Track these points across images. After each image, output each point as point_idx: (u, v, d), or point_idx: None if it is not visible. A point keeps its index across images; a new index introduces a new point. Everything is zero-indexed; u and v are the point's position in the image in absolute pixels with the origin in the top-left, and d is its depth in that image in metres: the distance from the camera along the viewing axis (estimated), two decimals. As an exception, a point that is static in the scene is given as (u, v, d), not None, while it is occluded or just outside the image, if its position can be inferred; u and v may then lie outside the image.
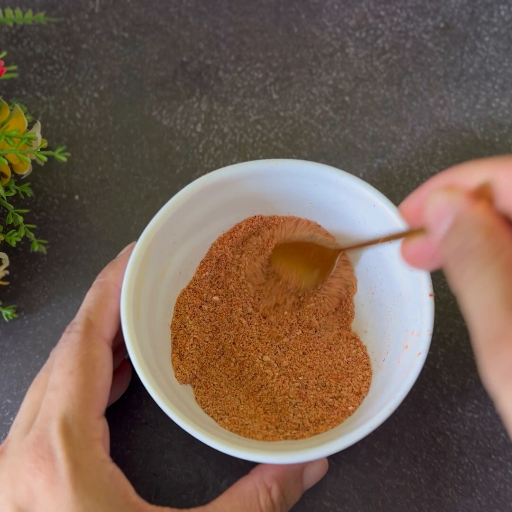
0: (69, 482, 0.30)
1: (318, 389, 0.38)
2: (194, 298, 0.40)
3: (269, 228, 0.40)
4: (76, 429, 0.32)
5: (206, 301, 0.40)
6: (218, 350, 0.39)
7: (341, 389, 0.37)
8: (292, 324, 0.40)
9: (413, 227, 0.29)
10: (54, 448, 0.31)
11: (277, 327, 0.40)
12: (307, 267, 0.39)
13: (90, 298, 0.35)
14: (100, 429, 0.33)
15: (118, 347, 0.37)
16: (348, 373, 0.38)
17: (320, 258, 0.39)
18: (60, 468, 0.31)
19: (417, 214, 0.28)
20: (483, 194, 0.25)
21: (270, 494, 0.34)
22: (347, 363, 0.39)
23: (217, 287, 0.41)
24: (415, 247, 0.28)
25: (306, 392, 0.38)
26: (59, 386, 0.32)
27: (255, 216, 0.40)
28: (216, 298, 0.41)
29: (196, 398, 0.38)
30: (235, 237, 0.41)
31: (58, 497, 0.30)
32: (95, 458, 0.32)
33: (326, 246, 0.39)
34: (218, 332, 0.40)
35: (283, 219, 0.41)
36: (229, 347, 0.40)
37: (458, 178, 0.26)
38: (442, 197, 0.25)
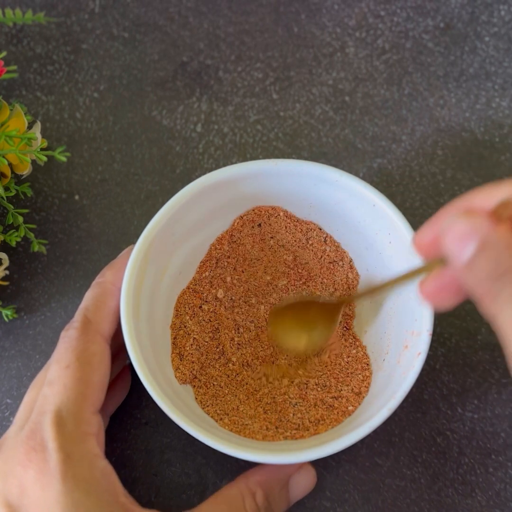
0: (59, 473, 0.30)
1: (318, 389, 0.38)
2: (194, 298, 0.40)
3: (268, 219, 0.40)
4: (70, 421, 0.31)
5: (206, 301, 0.40)
6: (218, 350, 0.39)
7: (341, 389, 0.37)
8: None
9: (428, 261, 0.28)
10: (46, 439, 0.31)
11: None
12: (308, 326, 0.38)
13: (88, 297, 0.35)
14: (95, 424, 0.32)
15: (118, 350, 0.36)
16: (348, 373, 0.38)
17: (322, 315, 0.37)
18: (51, 459, 0.30)
19: (433, 246, 0.27)
20: (500, 215, 0.24)
21: (255, 498, 0.34)
22: (347, 363, 0.39)
23: (217, 287, 0.41)
24: (436, 283, 0.27)
25: (306, 392, 0.38)
26: (55, 380, 0.32)
27: (254, 209, 0.40)
28: (220, 294, 0.41)
29: (196, 398, 0.38)
30: (234, 230, 0.41)
31: (46, 488, 0.30)
32: (87, 452, 0.31)
33: (327, 301, 0.37)
34: (218, 332, 0.40)
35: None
36: (229, 347, 0.40)
37: (472, 203, 0.26)
38: (462, 222, 0.25)
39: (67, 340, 0.33)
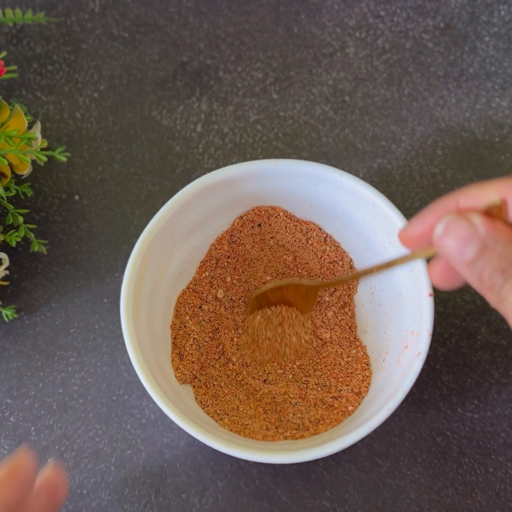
0: None
1: (318, 389, 0.38)
2: (194, 298, 0.40)
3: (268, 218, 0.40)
4: None
5: (206, 301, 0.40)
6: (218, 350, 0.39)
7: (341, 389, 0.37)
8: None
9: (415, 252, 0.29)
10: None
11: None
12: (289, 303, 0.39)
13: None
14: None
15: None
16: (348, 373, 0.38)
17: (299, 296, 0.39)
18: None
19: (419, 241, 0.28)
20: (493, 214, 0.26)
21: None
22: (347, 363, 0.39)
23: (217, 287, 0.41)
24: (442, 265, 0.28)
25: (306, 392, 0.38)
26: None
27: (253, 209, 0.40)
28: (220, 293, 0.41)
29: (196, 398, 0.38)
30: (234, 230, 0.41)
31: None
32: None
33: (303, 283, 0.38)
34: (218, 332, 0.40)
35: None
36: (229, 347, 0.40)
37: (459, 202, 0.27)
38: (460, 223, 0.26)
39: None
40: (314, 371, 0.39)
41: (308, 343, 0.39)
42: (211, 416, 0.37)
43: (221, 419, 0.37)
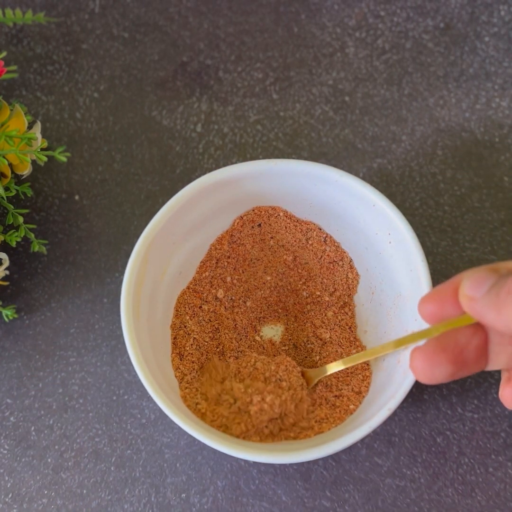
0: None
1: (322, 388, 0.38)
2: (194, 298, 0.40)
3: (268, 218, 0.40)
4: None
5: (206, 301, 0.40)
6: (218, 350, 0.39)
7: (342, 388, 0.37)
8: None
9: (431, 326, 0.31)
10: None
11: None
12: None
13: None
14: None
15: None
16: (348, 373, 0.38)
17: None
18: None
19: (439, 310, 0.30)
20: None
21: None
22: (347, 363, 0.39)
23: (217, 287, 0.41)
24: (429, 349, 0.30)
25: (310, 392, 0.38)
26: None
27: (253, 209, 0.40)
28: (220, 293, 0.41)
29: (196, 398, 0.38)
30: (234, 231, 0.40)
31: None
32: None
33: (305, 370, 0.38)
34: (218, 332, 0.40)
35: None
36: (229, 347, 0.40)
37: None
38: (477, 273, 0.28)
39: None
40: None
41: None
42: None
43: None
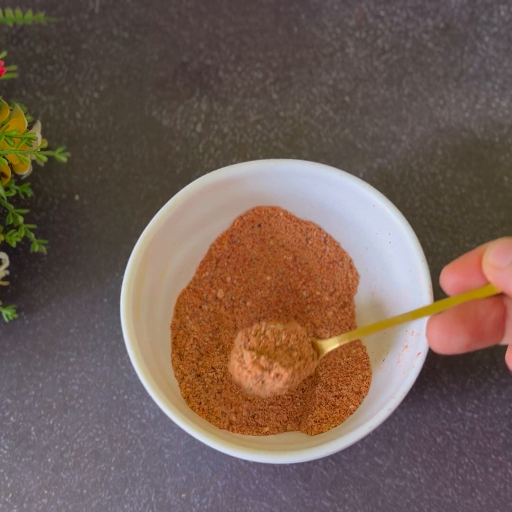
0: None
1: (322, 388, 0.38)
2: (194, 298, 0.40)
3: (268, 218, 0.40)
4: None
5: (206, 301, 0.40)
6: (218, 350, 0.39)
7: (341, 388, 0.37)
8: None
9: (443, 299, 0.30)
10: None
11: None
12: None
13: None
14: None
15: None
16: (348, 373, 0.38)
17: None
18: None
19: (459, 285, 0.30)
20: None
21: None
22: (347, 362, 0.39)
23: (217, 287, 0.41)
24: (447, 319, 0.30)
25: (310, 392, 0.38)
26: None
27: (253, 209, 0.40)
28: (220, 293, 0.41)
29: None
30: (233, 231, 0.40)
31: None
32: None
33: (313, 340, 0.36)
34: (218, 332, 0.40)
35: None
36: (229, 347, 0.40)
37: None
38: (502, 242, 0.28)
39: None
40: (316, 372, 0.39)
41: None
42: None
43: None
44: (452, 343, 0.29)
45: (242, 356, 0.33)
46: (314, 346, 0.35)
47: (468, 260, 0.30)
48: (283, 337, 0.34)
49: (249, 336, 0.34)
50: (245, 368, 0.33)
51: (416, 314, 0.32)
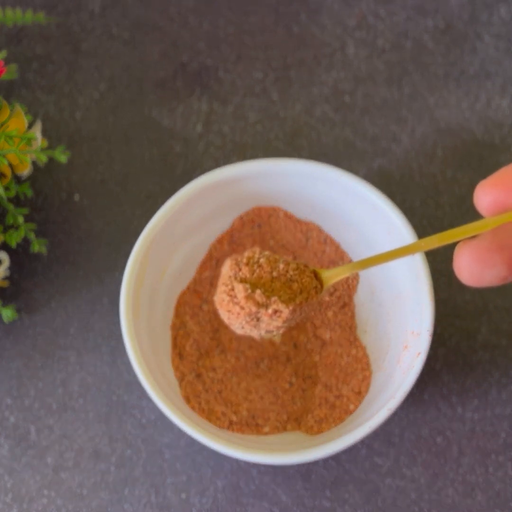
0: None
1: (322, 388, 0.38)
2: (194, 298, 0.40)
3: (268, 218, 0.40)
4: None
5: (206, 301, 0.40)
6: (218, 350, 0.39)
7: (341, 388, 0.37)
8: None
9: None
10: None
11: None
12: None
13: None
14: None
15: None
16: (348, 373, 0.38)
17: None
18: None
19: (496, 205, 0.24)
20: None
21: None
22: (347, 363, 0.39)
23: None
24: (480, 248, 0.24)
25: (310, 392, 0.38)
26: None
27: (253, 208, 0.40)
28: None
29: (196, 398, 0.38)
30: (233, 231, 0.40)
31: None
32: None
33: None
34: (218, 332, 0.40)
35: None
36: (229, 347, 0.40)
37: None
38: None
39: None
40: (316, 372, 0.39)
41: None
42: (211, 416, 0.37)
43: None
44: (485, 275, 0.24)
45: (232, 289, 0.28)
46: (316, 276, 0.30)
47: (509, 174, 0.24)
48: (281, 266, 0.29)
49: (240, 265, 0.29)
50: (237, 303, 0.28)
51: (442, 238, 0.26)
